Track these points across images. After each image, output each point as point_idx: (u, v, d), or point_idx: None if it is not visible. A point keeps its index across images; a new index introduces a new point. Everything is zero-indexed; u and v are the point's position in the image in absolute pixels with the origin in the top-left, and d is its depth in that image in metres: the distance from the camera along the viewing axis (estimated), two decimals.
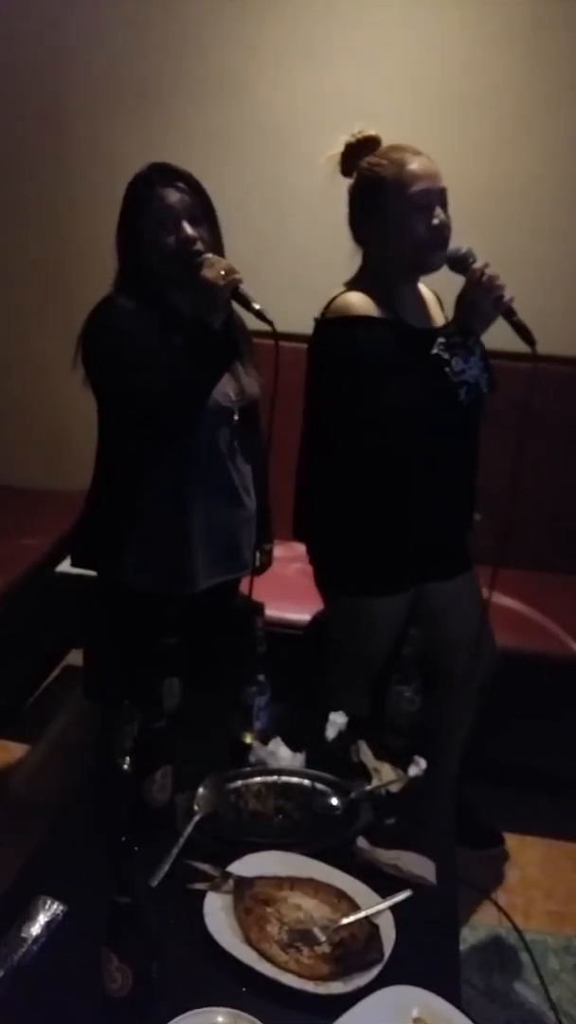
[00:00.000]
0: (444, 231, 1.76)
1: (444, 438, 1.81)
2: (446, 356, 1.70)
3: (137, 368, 1.67)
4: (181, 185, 1.74)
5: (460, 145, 2.66)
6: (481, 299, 1.69)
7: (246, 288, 1.71)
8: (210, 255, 1.72)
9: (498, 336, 1.77)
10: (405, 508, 1.89)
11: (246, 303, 1.72)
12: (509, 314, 1.73)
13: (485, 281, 1.68)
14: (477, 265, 1.70)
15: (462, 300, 1.72)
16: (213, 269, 1.68)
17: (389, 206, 1.78)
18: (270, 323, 1.70)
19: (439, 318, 1.95)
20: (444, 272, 1.79)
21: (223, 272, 1.67)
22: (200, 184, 1.77)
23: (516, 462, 1.84)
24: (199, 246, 1.72)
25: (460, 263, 1.74)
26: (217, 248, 1.78)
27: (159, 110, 2.83)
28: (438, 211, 1.76)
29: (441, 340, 1.72)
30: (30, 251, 3.04)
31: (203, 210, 1.76)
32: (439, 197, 1.77)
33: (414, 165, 1.76)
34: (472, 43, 2.64)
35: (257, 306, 1.71)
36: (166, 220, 1.72)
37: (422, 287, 1.94)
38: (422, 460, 1.84)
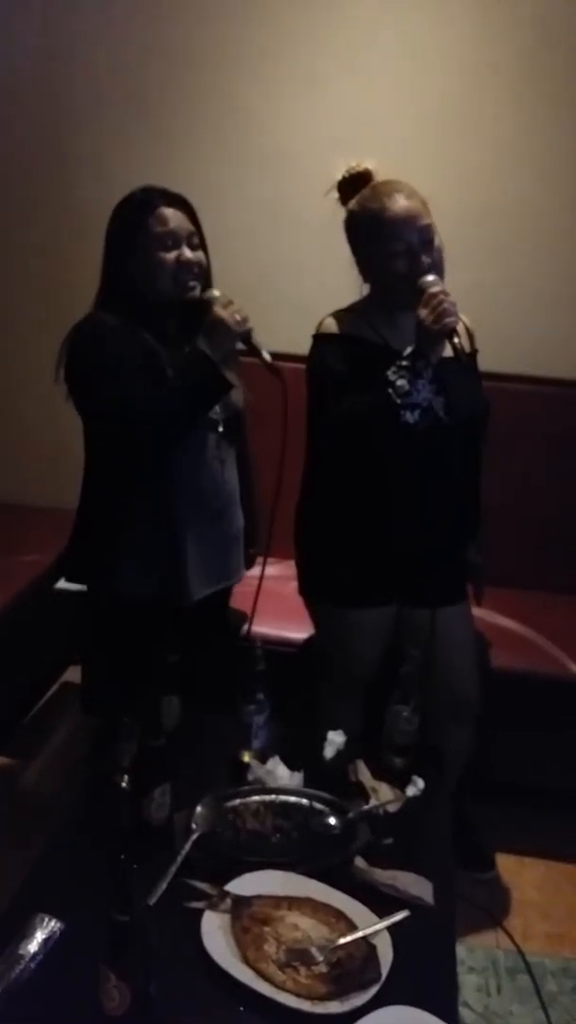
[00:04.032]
0: (426, 271, 1.75)
1: (408, 456, 1.81)
2: (392, 377, 1.71)
3: (124, 391, 1.67)
4: (181, 211, 1.75)
5: (458, 166, 2.70)
6: (425, 318, 1.69)
7: (257, 336, 1.72)
8: (218, 292, 1.74)
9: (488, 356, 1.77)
10: (382, 523, 1.91)
11: (256, 352, 1.74)
12: (450, 336, 1.72)
13: (434, 303, 1.69)
14: (434, 290, 1.71)
15: (416, 322, 1.72)
16: (228, 310, 1.69)
17: (371, 251, 1.82)
18: (279, 374, 1.70)
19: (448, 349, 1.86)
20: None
21: (238, 318, 1.69)
22: (196, 212, 1.78)
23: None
24: (196, 271, 1.74)
25: (420, 291, 1.74)
26: (209, 277, 1.80)
27: (161, 131, 2.85)
28: (421, 256, 1.75)
29: (398, 362, 1.73)
30: (31, 269, 3.06)
31: (200, 238, 1.78)
32: (420, 237, 1.76)
33: (391, 212, 1.77)
34: (470, 66, 2.67)
35: (267, 357, 1.72)
36: (167, 240, 1.72)
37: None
38: (397, 476, 1.87)
